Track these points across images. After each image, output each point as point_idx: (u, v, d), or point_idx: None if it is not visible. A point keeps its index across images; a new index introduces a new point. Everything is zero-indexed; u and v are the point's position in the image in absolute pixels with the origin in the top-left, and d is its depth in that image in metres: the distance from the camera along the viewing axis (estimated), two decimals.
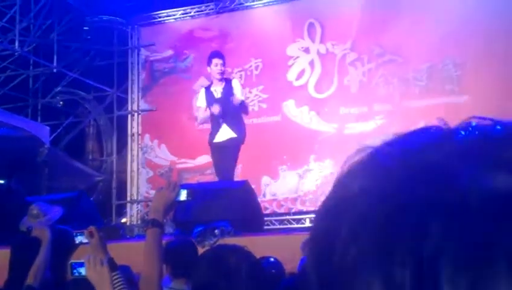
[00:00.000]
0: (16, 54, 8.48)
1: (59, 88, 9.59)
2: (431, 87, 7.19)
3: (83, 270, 2.19)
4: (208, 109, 5.25)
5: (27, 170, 6.74)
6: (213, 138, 5.29)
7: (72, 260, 2.37)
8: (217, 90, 5.24)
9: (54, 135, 9.18)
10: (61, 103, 9.70)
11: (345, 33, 7.59)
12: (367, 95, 7.42)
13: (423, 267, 0.30)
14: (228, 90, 5.23)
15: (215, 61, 5.26)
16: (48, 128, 7.80)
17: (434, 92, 7.16)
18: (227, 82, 5.33)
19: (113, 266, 2.24)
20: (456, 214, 0.30)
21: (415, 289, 0.30)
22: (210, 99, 5.22)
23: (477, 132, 0.34)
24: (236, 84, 5.37)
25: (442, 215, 0.30)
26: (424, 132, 0.35)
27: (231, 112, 5.20)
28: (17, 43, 8.13)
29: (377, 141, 0.36)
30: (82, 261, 2.20)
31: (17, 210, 4.43)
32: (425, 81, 7.24)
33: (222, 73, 5.29)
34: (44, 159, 6.40)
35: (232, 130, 5.18)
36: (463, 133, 0.34)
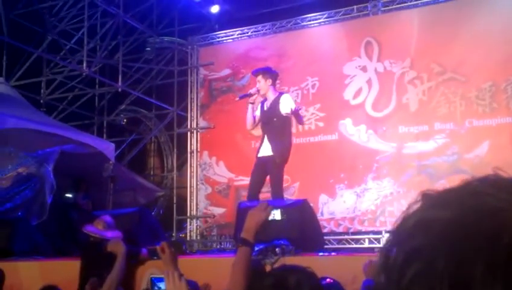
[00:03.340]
0: (84, 74, 8.91)
1: (123, 106, 10.00)
2: (495, 106, 7.00)
3: (162, 285, 2.26)
4: (254, 117, 5.36)
5: (94, 185, 7.05)
6: (258, 152, 5.38)
7: (152, 275, 2.47)
8: (267, 104, 5.34)
9: (118, 151, 9.56)
10: (124, 120, 10.09)
11: (403, 51, 7.53)
12: (427, 114, 7.30)
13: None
14: (275, 105, 5.28)
15: (256, 78, 5.46)
16: (113, 144, 8.14)
17: (498, 111, 6.96)
18: (277, 97, 5.33)
19: None
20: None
21: None
22: (260, 110, 5.39)
23: None
24: (284, 98, 5.32)
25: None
26: (497, 178, 0.45)
27: (273, 127, 5.25)
28: (84, 64, 8.56)
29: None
30: (161, 276, 2.29)
31: (84, 224, 4.63)
32: (489, 100, 7.05)
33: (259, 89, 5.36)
34: (110, 175, 6.68)
35: (271, 146, 5.20)
36: None
